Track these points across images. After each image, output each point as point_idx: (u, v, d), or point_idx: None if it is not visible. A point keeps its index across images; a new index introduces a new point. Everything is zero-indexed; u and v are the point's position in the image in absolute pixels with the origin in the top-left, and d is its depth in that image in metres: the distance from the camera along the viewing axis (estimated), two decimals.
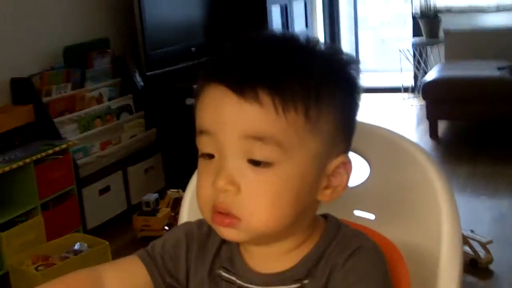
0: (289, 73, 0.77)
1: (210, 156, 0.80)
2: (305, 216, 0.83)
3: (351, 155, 0.86)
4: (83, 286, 0.88)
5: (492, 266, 2.96)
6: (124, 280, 0.90)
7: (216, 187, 0.78)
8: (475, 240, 3.00)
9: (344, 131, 0.83)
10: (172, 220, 3.57)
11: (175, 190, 3.74)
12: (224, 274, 0.88)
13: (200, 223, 0.92)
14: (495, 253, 2.98)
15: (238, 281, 0.86)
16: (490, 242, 3.00)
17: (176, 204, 3.64)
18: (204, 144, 0.81)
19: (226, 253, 0.89)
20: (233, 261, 0.88)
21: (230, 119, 0.77)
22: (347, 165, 0.84)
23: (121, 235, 3.63)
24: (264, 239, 0.82)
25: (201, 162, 0.83)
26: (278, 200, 0.78)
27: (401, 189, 1.04)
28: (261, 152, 0.77)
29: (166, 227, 3.53)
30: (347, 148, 0.85)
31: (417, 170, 1.02)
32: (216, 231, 0.82)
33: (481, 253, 2.97)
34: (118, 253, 3.00)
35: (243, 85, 0.77)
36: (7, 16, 3.60)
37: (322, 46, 0.84)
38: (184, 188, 3.86)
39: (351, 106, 0.84)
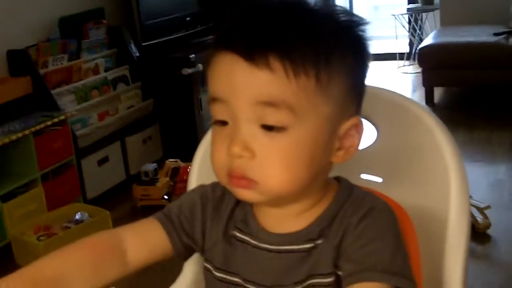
0: (298, 37, 0.77)
1: (224, 123, 0.81)
2: (319, 178, 0.84)
3: None
4: (104, 248, 0.89)
5: (490, 231, 2.98)
6: (143, 241, 0.91)
7: (231, 153, 0.79)
8: (473, 205, 3.02)
9: (354, 93, 0.84)
10: (171, 189, 3.59)
11: (173, 160, 3.75)
12: (238, 234, 0.89)
13: (214, 185, 0.93)
14: (493, 218, 3.00)
15: (252, 241, 0.88)
16: (488, 207, 3.01)
17: (175, 173, 3.66)
18: (217, 111, 0.81)
19: (240, 215, 0.90)
20: (247, 222, 0.89)
21: (241, 86, 0.77)
22: (358, 126, 0.84)
23: (121, 205, 3.65)
24: (280, 200, 0.84)
25: (215, 129, 0.83)
26: (292, 163, 0.79)
27: (409, 151, 1.05)
28: (273, 117, 0.77)
29: (166, 196, 3.55)
30: (358, 109, 0.85)
31: (424, 132, 1.02)
32: (233, 193, 0.83)
33: (479, 218, 2.99)
34: (118, 223, 3.02)
35: (253, 51, 0.76)
36: None
37: (330, 8, 0.84)
38: (181, 158, 3.83)
39: (361, 68, 0.84)
